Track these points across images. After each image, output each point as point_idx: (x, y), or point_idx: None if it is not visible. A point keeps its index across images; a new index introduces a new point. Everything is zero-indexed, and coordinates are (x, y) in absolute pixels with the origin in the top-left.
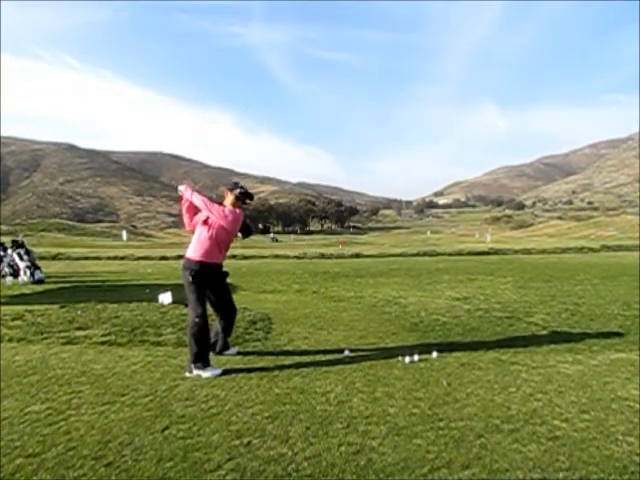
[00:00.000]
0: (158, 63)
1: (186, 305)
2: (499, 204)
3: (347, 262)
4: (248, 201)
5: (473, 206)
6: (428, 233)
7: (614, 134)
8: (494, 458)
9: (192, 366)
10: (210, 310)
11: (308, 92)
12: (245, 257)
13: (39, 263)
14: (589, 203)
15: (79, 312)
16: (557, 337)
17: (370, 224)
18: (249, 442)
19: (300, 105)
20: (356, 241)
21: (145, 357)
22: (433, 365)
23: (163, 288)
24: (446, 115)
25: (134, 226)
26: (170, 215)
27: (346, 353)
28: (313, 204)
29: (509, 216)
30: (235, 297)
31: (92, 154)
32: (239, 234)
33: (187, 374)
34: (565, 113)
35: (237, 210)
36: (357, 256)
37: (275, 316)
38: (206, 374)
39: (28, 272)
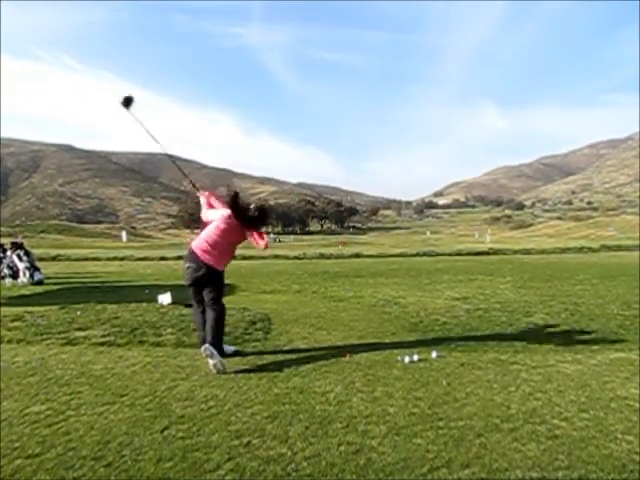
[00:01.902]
0: (158, 63)
1: (185, 306)
2: (499, 204)
3: (347, 262)
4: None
5: (473, 206)
6: (428, 233)
7: (614, 134)
8: (493, 457)
9: (211, 348)
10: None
11: (308, 92)
12: (245, 258)
13: (38, 264)
14: (588, 203)
15: (78, 313)
16: (557, 337)
17: (370, 224)
18: (248, 442)
19: (300, 105)
20: (356, 241)
21: (144, 358)
22: (433, 365)
23: (162, 289)
24: (446, 115)
25: (133, 227)
26: (169, 216)
27: (347, 359)
28: (313, 204)
29: (509, 216)
30: (235, 297)
31: (91, 155)
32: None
33: (202, 349)
34: (565, 113)
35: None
36: (357, 256)
37: (275, 316)
38: (213, 361)
39: (27, 273)
